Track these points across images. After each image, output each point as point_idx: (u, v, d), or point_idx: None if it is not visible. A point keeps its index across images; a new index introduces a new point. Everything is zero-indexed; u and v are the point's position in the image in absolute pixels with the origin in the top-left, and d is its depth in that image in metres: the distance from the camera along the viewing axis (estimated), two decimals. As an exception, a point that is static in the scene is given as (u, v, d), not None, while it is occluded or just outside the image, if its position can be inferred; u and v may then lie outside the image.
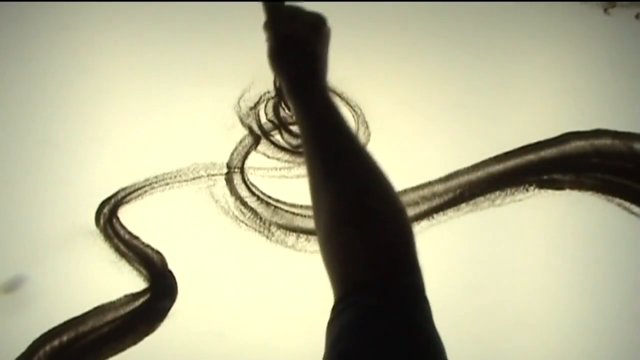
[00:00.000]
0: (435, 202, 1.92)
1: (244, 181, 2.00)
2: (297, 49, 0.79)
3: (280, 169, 2.02)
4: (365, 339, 0.60)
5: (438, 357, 0.60)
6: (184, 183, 1.99)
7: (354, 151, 0.76)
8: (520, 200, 1.91)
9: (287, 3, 0.80)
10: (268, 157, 2.04)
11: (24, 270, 1.81)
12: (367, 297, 0.64)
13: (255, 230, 1.90)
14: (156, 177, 1.99)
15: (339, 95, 2.16)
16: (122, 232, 1.89)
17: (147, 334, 1.72)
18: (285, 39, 0.80)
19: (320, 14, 0.81)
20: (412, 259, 0.69)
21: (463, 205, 1.91)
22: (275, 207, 1.93)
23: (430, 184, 1.94)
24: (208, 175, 2.01)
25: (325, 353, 0.61)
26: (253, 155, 2.05)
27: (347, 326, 0.62)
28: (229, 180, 2.00)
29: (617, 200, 1.89)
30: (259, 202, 1.95)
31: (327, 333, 0.63)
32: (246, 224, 1.91)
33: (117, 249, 1.86)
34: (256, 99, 2.15)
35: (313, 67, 0.80)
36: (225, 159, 2.04)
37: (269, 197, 1.95)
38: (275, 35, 0.80)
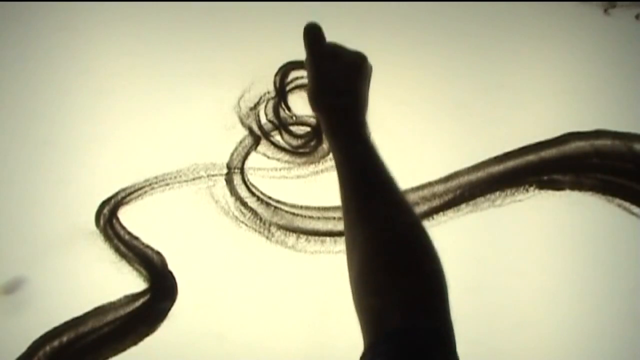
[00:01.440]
0: (435, 202, 1.92)
1: (244, 182, 2.00)
2: (339, 88, 0.79)
3: (280, 169, 2.02)
4: None
5: None
6: (184, 183, 1.99)
7: (395, 196, 0.74)
8: (520, 200, 1.91)
9: (328, 41, 0.80)
10: (268, 157, 2.04)
11: (24, 271, 1.81)
12: (395, 347, 0.62)
13: (255, 230, 1.90)
14: (156, 177, 1.99)
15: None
16: (122, 232, 1.89)
17: (147, 334, 1.72)
18: (327, 78, 0.79)
19: (360, 52, 0.81)
20: (446, 315, 0.67)
21: (463, 205, 1.91)
22: (276, 207, 1.93)
23: (430, 184, 1.94)
24: (208, 176, 2.01)
25: None
26: (253, 155, 2.05)
27: None
28: (229, 181, 2.00)
29: (617, 200, 1.89)
30: (259, 202, 1.95)
31: None
32: (246, 225, 1.91)
33: (117, 250, 1.86)
34: (256, 100, 2.15)
35: (354, 106, 0.79)
36: (225, 160, 2.04)
37: (269, 197, 1.95)
38: (316, 74, 0.79)
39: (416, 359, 0.62)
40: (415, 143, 2.08)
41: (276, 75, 2.06)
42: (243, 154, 2.05)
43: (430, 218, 1.89)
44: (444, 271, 0.70)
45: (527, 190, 1.93)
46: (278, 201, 1.94)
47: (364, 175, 0.76)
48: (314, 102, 0.80)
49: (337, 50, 0.80)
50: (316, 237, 1.87)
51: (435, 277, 0.69)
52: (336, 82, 0.79)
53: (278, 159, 2.04)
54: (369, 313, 0.68)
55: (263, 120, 2.10)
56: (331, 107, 0.79)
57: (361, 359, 0.63)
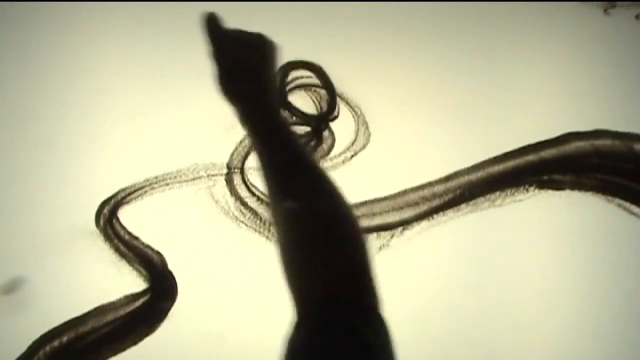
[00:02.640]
0: (436, 202, 1.92)
1: (244, 181, 2.00)
2: (244, 74, 0.79)
3: (280, 169, 2.02)
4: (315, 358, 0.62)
5: None
6: (184, 183, 1.99)
7: (308, 168, 0.77)
8: (520, 200, 1.91)
9: (227, 27, 0.80)
10: (268, 157, 2.04)
11: (24, 271, 1.81)
12: (322, 317, 0.66)
13: (255, 230, 1.90)
14: (156, 177, 1.99)
15: (339, 96, 2.16)
16: (122, 232, 1.89)
17: (147, 334, 1.72)
18: (231, 64, 0.80)
19: (261, 34, 0.81)
20: (367, 279, 0.70)
21: (463, 205, 1.91)
22: (275, 207, 1.93)
23: (430, 184, 1.94)
24: (208, 176, 2.01)
25: None
26: (253, 155, 2.05)
27: (299, 344, 0.65)
28: (229, 181, 2.00)
29: (617, 200, 1.89)
30: (259, 202, 1.95)
31: (282, 349, 0.65)
32: (246, 225, 1.91)
33: (117, 250, 1.86)
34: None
35: (262, 90, 0.80)
36: (225, 159, 2.04)
37: (269, 197, 1.95)
38: (220, 61, 0.79)
39: (340, 327, 0.65)
40: (415, 143, 2.08)
41: (276, 75, 2.07)
42: (243, 154, 2.05)
43: (431, 218, 1.89)
44: (362, 232, 0.73)
45: (527, 190, 1.93)
46: (278, 201, 1.94)
47: (282, 156, 0.78)
48: (222, 89, 0.80)
49: (237, 35, 0.81)
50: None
51: (354, 243, 0.72)
52: (240, 68, 0.80)
53: (278, 159, 2.04)
54: (297, 285, 0.71)
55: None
56: (240, 94, 0.80)
57: (290, 326, 0.66)
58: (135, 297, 1.77)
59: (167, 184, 1.99)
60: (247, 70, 0.79)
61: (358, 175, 1.97)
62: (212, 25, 0.78)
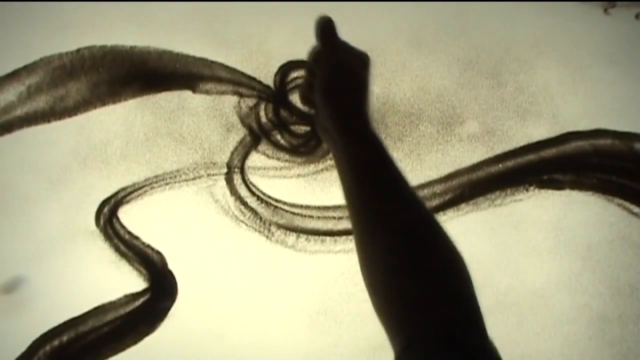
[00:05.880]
0: (435, 202, 1.92)
1: (244, 181, 2.00)
2: (351, 85, 0.78)
3: (280, 168, 2.02)
4: None
5: None
6: (184, 183, 1.99)
7: (408, 192, 0.73)
8: (520, 200, 1.92)
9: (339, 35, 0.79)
10: (268, 157, 2.04)
11: (24, 271, 1.81)
12: (430, 352, 0.61)
13: (255, 230, 1.90)
14: (156, 177, 1.99)
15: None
16: (122, 232, 1.89)
17: (147, 334, 1.72)
18: (341, 74, 0.79)
19: (366, 52, 0.80)
20: (476, 312, 0.66)
21: (463, 205, 1.91)
22: (276, 207, 1.93)
23: (430, 184, 1.94)
24: (208, 175, 2.01)
25: None
26: (253, 155, 2.05)
27: None
28: (229, 180, 2.00)
29: (617, 200, 1.89)
30: (259, 202, 1.95)
31: None
32: (246, 224, 1.91)
33: (117, 249, 1.86)
34: (256, 99, 2.14)
35: (364, 98, 0.78)
36: (225, 159, 2.04)
37: (269, 197, 1.95)
38: (331, 63, 0.78)
39: None
40: (415, 143, 2.08)
41: (276, 75, 2.06)
42: (243, 153, 2.05)
43: (430, 218, 1.89)
44: (464, 263, 0.68)
45: (527, 190, 1.93)
46: (278, 200, 1.94)
47: (373, 172, 0.74)
48: (326, 91, 0.78)
49: (347, 45, 0.80)
50: (316, 237, 1.88)
51: (456, 272, 0.68)
52: (348, 78, 0.79)
53: (278, 158, 2.04)
54: (392, 318, 0.66)
55: (263, 119, 2.10)
56: (343, 103, 0.78)
57: None
58: (135, 296, 1.77)
59: (167, 184, 1.99)
60: (353, 82, 0.78)
61: (358, 175, 1.96)
62: (328, 29, 0.78)
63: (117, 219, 1.93)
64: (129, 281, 1.79)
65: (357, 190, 0.73)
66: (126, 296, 1.77)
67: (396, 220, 0.70)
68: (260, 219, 1.92)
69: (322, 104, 0.79)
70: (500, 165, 1.98)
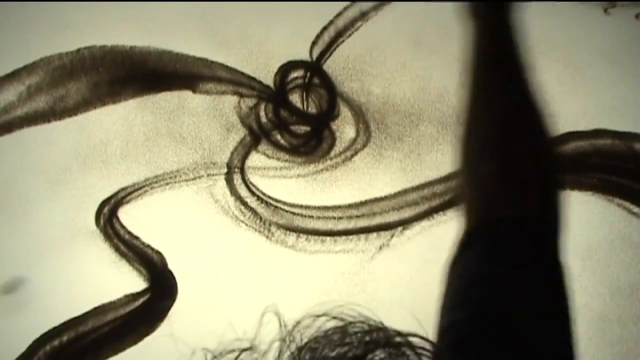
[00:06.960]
0: (435, 202, 1.92)
1: (244, 181, 2.00)
2: None
3: (280, 168, 2.02)
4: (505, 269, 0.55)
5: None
6: (184, 183, 1.99)
7: (522, 76, 0.74)
8: (520, 200, 1.91)
9: None
10: (268, 157, 2.04)
11: (24, 271, 1.81)
12: (498, 235, 0.59)
13: (255, 230, 1.90)
14: (156, 177, 1.99)
15: (340, 96, 2.15)
16: (122, 232, 1.89)
17: (147, 334, 1.72)
18: None
19: None
20: (558, 207, 0.65)
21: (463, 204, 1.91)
22: (276, 207, 1.93)
23: (430, 184, 1.94)
24: (208, 175, 2.01)
25: (452, 289, 0.55)
26: (253, 155, 2.05)
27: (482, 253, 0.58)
28: (229, 180, 2.00)
29: (617, 200, 1.89)
30: (259, 202, 1.95)
31: (453, 266, 0.57)
32: (246, 224, 1.91)
33: (117, 249, 1.86)
34: (256, 99, 2.15)
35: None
36: (225, 159, 2.04)
37: (269, 197, 1.95)
38: None
39: (519, 251, 0.59)
40: (415, 142, 2.08)
41: (276, 75, 2.07)
42: (243, 153, 2.05)
43: (431, 217, 1.89)
44: (556, 156, 0.69)
45: (527, 190, 1.93)
46: (278, 200, 1.94)
47: (507, 52, 0.77)
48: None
49: None
50: (316, 237, 1.88)
51: (548, 168, 0.68)
52: None
53: (278, 158, 2.04)
54: (475, 192, 0.66)
55: (263, 119, 2.11)
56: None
57: (459, 243, 0.60)
58: (135, 296, 1.77)
59: (167, 184, 1.99)
60: None
61: (358, 175, 1.97)
62: None
63: (117, 219, 1.93)
64: (129, 281, 1.79)
65: (487, 62, 0.80)
66: (126, 296, 1.77)
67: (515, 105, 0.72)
68: (260, 219, 1.92)
69: None
70: (500, 165, 1.98)
